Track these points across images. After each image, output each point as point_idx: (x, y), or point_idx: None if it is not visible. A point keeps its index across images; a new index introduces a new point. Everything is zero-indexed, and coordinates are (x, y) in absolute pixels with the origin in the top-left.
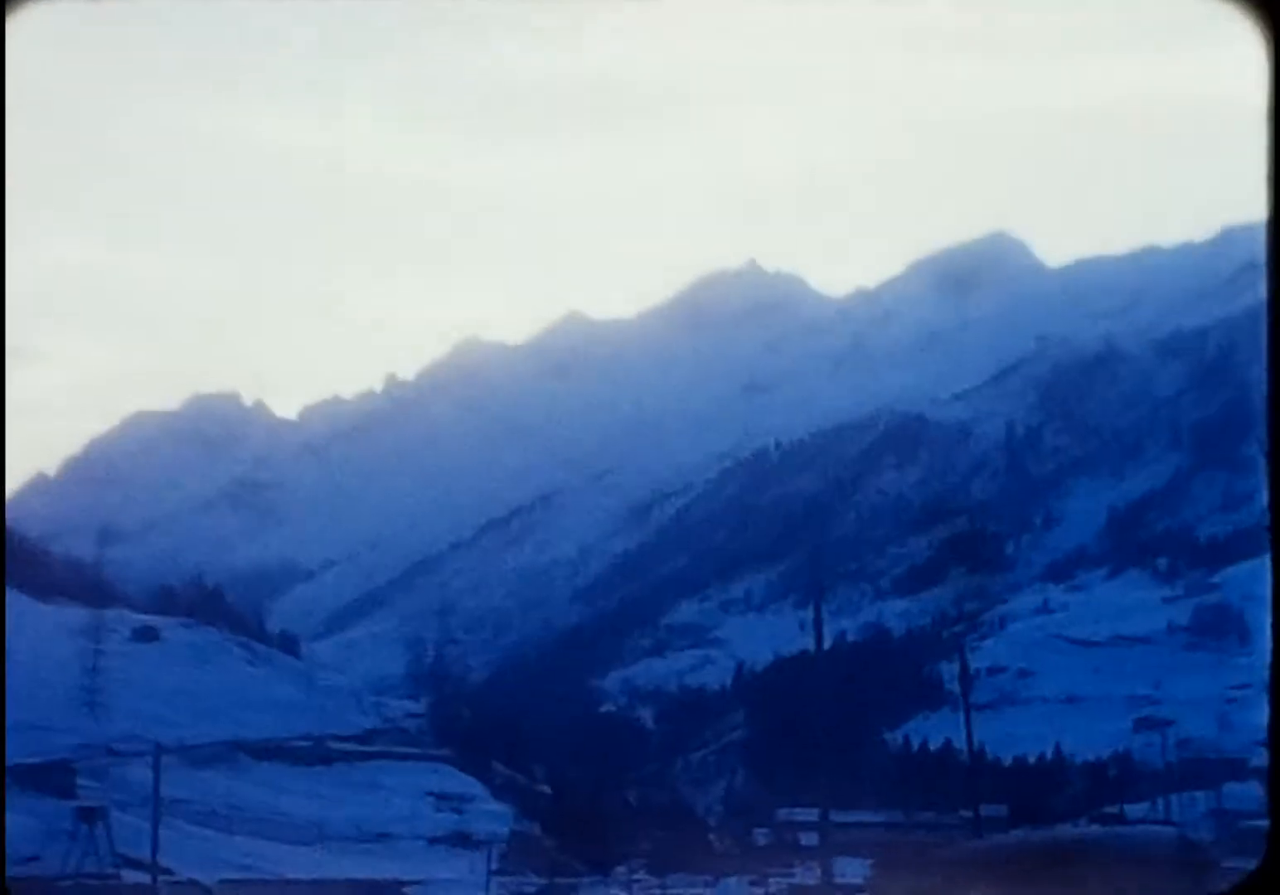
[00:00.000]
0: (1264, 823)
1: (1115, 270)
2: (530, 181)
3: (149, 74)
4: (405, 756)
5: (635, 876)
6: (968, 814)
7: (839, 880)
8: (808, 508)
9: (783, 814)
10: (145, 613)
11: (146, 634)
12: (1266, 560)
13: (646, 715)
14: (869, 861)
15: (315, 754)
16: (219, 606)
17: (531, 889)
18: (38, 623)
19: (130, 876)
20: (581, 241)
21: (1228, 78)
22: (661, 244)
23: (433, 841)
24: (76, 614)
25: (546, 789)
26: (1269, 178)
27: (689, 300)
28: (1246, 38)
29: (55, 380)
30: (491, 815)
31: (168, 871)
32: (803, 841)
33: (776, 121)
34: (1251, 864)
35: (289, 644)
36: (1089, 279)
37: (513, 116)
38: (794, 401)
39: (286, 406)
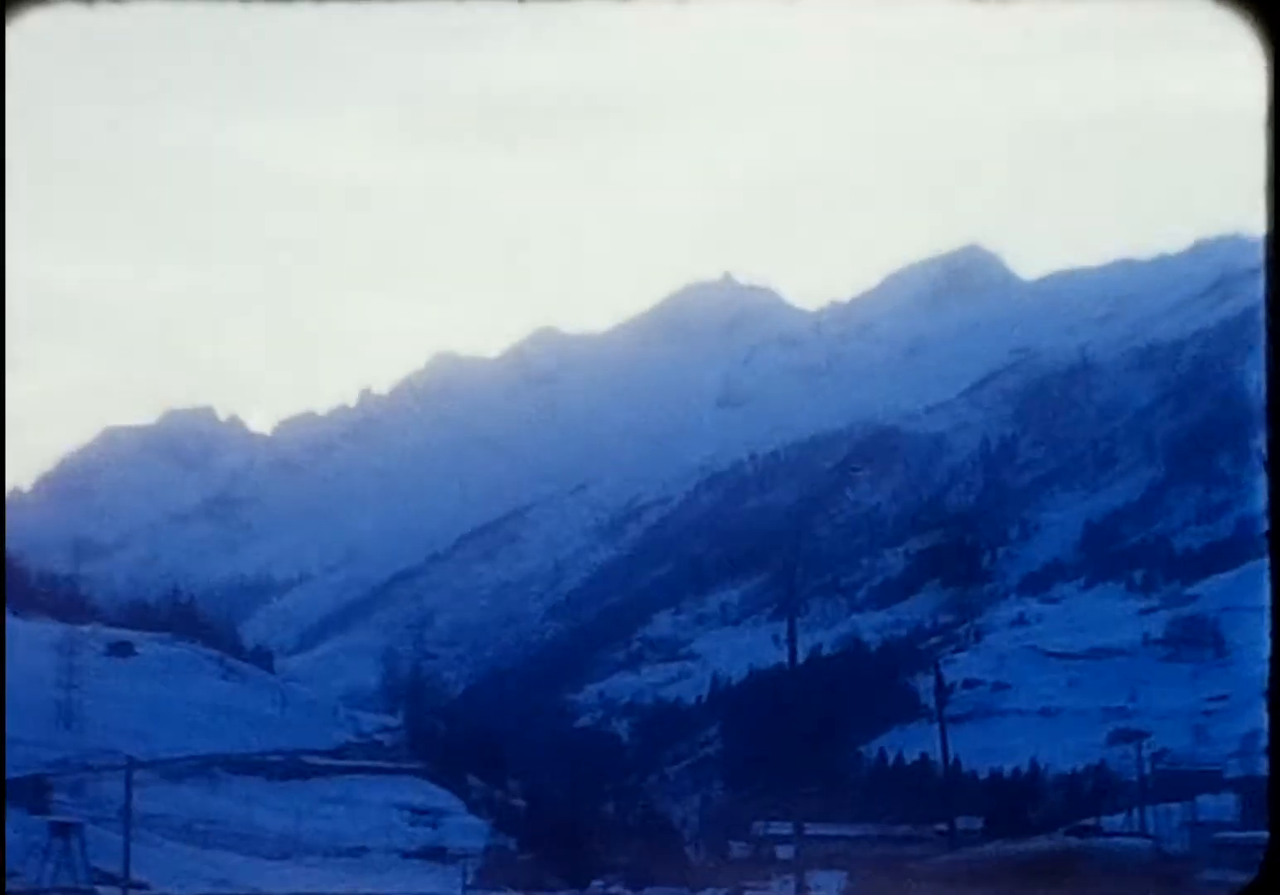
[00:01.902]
0: (1238, 834)
1: (1090, 283)
2: (504, 193)
3: (128, 85)
4: (380, 771)
5: (611, 890)
6: (943, 827)
7: (814, 893)
8: (783, 520)
9: (759, 827)
10: (120, 627)
11: (121, 649)
12: (1241, 572)
13: (622, 729)
14: (844, 874)
15: (290, 768)
16: (194, 621)
17: None
18: (12, 638)
19: (105, 892)
20: (556, 254)
21: (1218, 86)
22: (636, 256)
23: (407, 856)
24: (52, 629)
25: (522, 803)
26: (1268, 184)
27: (664, 313)
28: (1244, 45)
29: (29, 393)
30: (467, 829)
31: (141, 886)
32: (779, 854)
33: (752, 133)
34: (1226, 876)
35: (264, 658)
36: (1064, 292)
37: (487, 128)
38: (769, 414)
39: (261, 421)
